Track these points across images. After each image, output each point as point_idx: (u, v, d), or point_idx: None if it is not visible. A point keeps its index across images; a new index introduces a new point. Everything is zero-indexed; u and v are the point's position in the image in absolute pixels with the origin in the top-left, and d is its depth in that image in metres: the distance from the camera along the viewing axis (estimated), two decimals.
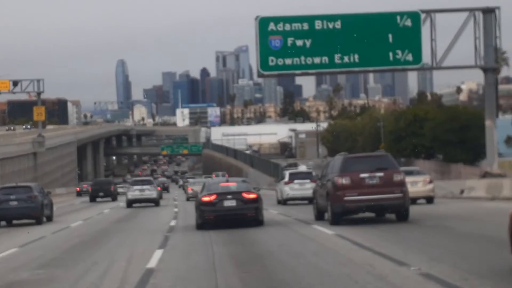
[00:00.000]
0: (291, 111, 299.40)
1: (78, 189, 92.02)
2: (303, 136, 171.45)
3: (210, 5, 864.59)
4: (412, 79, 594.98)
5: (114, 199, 65.73)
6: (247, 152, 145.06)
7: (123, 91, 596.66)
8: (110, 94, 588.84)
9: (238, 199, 24.63)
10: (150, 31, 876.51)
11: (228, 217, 24.71)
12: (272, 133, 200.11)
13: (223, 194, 24.77)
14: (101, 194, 66.04)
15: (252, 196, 24.86)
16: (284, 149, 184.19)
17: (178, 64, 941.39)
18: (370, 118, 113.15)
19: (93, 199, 65.59)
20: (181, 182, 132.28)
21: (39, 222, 34.03)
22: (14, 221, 35.19)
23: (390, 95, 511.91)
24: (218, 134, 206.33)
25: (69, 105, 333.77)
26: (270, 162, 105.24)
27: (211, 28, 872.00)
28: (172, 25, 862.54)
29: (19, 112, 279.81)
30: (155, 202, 51.44)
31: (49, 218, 35.81)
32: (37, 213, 33.96)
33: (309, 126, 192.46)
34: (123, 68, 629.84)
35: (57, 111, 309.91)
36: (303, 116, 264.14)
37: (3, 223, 35.23)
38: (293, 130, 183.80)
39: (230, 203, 24.53)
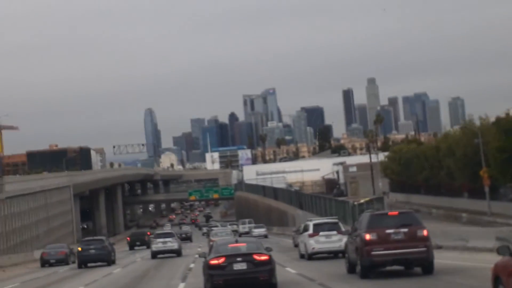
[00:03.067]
0: (327, 147, 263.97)
1: (44, 254, 54.85)
2: (353, 169, 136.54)
3: (236, 49, 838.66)
4: (444, 113, 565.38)
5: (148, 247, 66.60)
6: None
7: (152, 139, 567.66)
8: (144, 151, 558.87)
9: (249, 261, 21.52)
10: (176, 78, 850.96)
11: (238, 281, 21.42)
12: (314, 169, 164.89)
13: (233, 256, 21.61)
14: (137, 243, 75.19)
15: (264, 257, 21.70)
16: (331, 186, 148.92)
17: (206, 109, 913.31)
18: (463, 133, 78.23)
19: (131, 247, 74.70)
20: (204, 230, 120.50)
21: (109, 264, 47.45)
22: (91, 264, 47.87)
23: (422, 131, 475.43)
24: (252, 173, 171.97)
25: (93, 153, 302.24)
26: (335, 201, 71.50)
27: (238, 71, 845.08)
28: (198, 70, 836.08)
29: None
30: (178, 252, 54.06)
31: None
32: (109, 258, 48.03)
33: (357, 160, 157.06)
34: (151, 117, 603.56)
35: (79, 160, 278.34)
36: (340, 152, 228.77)
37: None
38: (341, 164, 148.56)
39: (240, 266, 21.44)
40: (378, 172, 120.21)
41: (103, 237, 49.89)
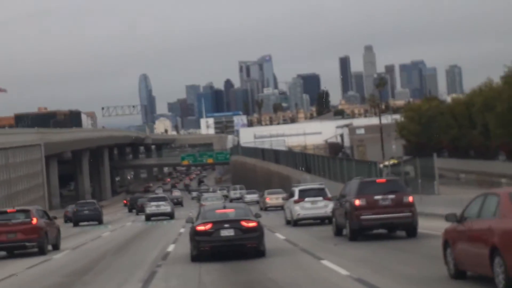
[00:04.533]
0: (326, 112, 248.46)
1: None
2: (361, 131, 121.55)
3: (232, 15, 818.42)
4: (441, 81, 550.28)
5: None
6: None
7: (147, 106, 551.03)
8: (137, 114, 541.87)
9: (237, 227, 20.60)
10: (172, 44, 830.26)
11: (225, 248, 20.83)
12: (316, 132, 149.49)
13: (220, 223, 20.72)
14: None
15: (252, 224, 20.79)
16: (335, 150, 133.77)
17: (202, 76, 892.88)
18: (506, 84, 63.18)
19: (130, 210, 79.28)
20: (194, 194, 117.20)
21: (100, 223, 55.39)
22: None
23: (419, 98, 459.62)
24: (249, 137, 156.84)
25: (83, 116, 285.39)
26: (356, 162, 57.41)
27: (234, 38, 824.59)
28: (193, 37, 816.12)
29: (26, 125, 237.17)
30: (170, 215, 55.33)
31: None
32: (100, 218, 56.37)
33: (362, 122, 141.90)
34: (146, 83, 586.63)
35: (69, 123, 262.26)
36: (342, 115, 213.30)
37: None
38: (346, 126, 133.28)
39: (227, 232, 20.58)
40: (392, 134, 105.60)
41: (94, 200, 54.42)
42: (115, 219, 66.51)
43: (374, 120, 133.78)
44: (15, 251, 29.38)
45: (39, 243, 28.61)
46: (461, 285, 13.78)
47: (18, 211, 29.68)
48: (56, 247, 30.76)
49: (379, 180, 26.08)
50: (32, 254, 28.83)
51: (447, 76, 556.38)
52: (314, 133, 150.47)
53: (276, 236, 29.59)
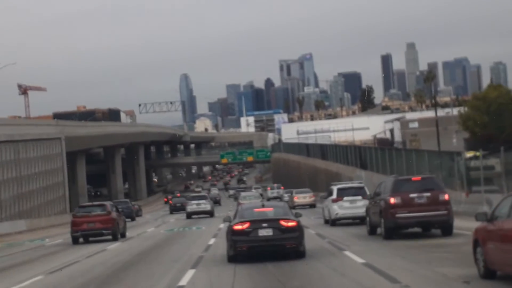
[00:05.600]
0: (371, 108, 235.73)
1: None
2: (414, 125, 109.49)
3: (272, 14, 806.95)
4: (485, 78, 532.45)
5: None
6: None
7: (188, 105, 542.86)
8: (178, 114, 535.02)
9: (275, 227, 19.48)
10: (212, 44, 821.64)
11: (263, 249, 19.57)
12: (364, 127, 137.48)
13: (258, 222, 19.60)
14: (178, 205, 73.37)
15: (292, 224, 19.62)
16: (384, 146, 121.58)
17: (242, 75, 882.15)
18: None
19: (171, 212, 74.07)
20: (231, 192, 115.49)
21: (132, 220, 58.61)
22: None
23: (464, 96, 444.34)
24: (291, 132, 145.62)
25: (122, 115, 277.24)
26: (436, 154, 46.41)
27: (274, 37, 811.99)
28: (233, 37, 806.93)
29: None
30: (210, 213, 56.12)
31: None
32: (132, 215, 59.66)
33: (414, 116, 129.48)
34: (187, 82, 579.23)
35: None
36: (391, 111, 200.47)
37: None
38: (397, 120, 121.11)
39: (266, 232, 19.47)
40: (449, 127, 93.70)
41: (127, 200, 54.75)
42: (143, 222, 61.17)
43: (426, 114, 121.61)
44: (90, 238, 35.15)
45: (113, 231, 34.53)
46: (491, 284, 13.46)
47: (96, 205, 36.39)
48: (123, 235, 36.66)
49: (414, 178, 25.29)
50: (105, 240, 34.77)
51: (492, 73, 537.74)
52: (361, 129, 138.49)
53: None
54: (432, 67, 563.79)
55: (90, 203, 39.02)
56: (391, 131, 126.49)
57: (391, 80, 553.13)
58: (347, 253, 20.79)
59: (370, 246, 22.69)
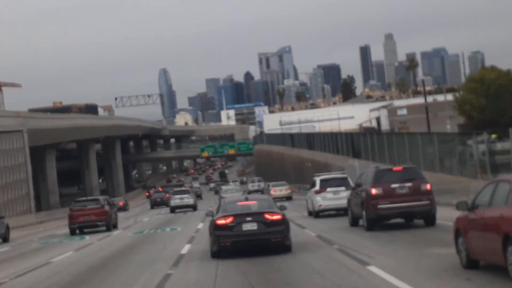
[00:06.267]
0: (353, 98, 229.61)
1: None
2: (403, 112, 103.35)
3: (250, 7, 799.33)
4: (464, 67, 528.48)
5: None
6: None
7: (167, 100, 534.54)
8: (155, 106, 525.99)
9: (260, 221, 18.60)
10: (191, 39, 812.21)
11: (248, 243, 18.77)
12: (348, 116, 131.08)
13: (242, 216, 18.67)
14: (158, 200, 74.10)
15: (277, 217, 18.78)
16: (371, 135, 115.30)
17: (222, 69, 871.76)
18: None
19: (152, 207, 73.60)
20: (212, 185, 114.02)
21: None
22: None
23: (443, 85, 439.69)
24: (274, 123, 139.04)
25: (100, 110, 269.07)
26: (435, 134, 40.04)
27: (253, 30, 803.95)
28: (213, 30, 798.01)
29: None
30: (193, 207, 56.84)
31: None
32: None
33: (400, 104, 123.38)
34: (166, 77, 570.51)
35: None
36: (375, 99, 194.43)
37: None
38: (384, 107, 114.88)
39: (250, 226, 18.60)
40: (445, 112, 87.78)
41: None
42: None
43: (413, 101, 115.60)
44: (84, 229, 38.09)
45: (107, 222, 38.00)
46: (473, 274, 13.15)
47: (90, 199, 40.08)
48: (115, 226, 39.71)
49: (395, 168, 24.53)
50: (99, 231, 37.95)
51: (470, 63, 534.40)
52: (346, 118, 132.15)
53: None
54: (411, 57, 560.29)
55: (85, 198, 42.06)
56: (378, 119, 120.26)
57: (370, 71, 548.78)
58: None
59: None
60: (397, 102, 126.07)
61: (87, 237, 35.93)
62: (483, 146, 36.62)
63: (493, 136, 39.24)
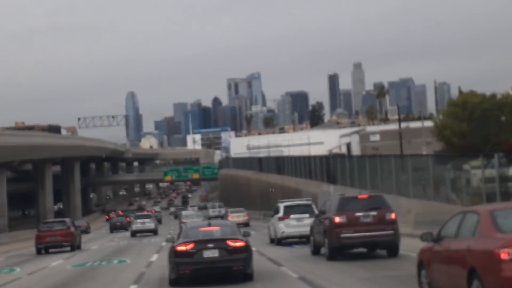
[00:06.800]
0: (321, 124, 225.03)
1: None
2: (376, 138, 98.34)
3: (221, 33, 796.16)
4: (430, 98, 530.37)
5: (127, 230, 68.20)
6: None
7: (133, 124, 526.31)
8: (121, 130, 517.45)
9: (222, 248, 17.74)
10: (160, 63, 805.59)
11: (208, 271, 17.92)
12: (318, 142, 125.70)
13: (203, 242, 17.89)
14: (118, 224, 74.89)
15: (240, 244, 17.96)
16: None
17: (190, 94, 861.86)
18: None
19: (111, 231, 73.47)
20: (172, 209, 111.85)
21: None
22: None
23: (408, 115, 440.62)
24: (241, 147, 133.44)
25: (63, 131, 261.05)
26: (428, 158, 34.53)
27: (222, 56, 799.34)
28: (182, 55, 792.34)
29: None
30: (154, 232, 56.95)
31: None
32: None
33: (372, 130, 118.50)
34: (133, 101, 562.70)
35: None
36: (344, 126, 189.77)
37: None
38: (356, 133, 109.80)
39: (211, 253, 17.75)
40: (422, 139, 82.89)
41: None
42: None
43: (386, 127, 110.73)
44: (49, 249, 41.17)
45: (72, 243, 40.98)
46: None
47: (57, 221, 43.50)
48: (79, 247, 42.42)
49: (361, 196, 23.97)
50: (64, 252, 40.22)
51: (436, 93, 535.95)
52: (315, 143, 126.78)
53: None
54: (379, 86, 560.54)
55: (52, 220, 45.48)
56: (348, 145, 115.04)
57: (338, 100, 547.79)
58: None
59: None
60: (370, 128, 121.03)
61: (17, 270, 30.87)
62: (481, 172, 31.95)
63: (493, 160, 33.94)
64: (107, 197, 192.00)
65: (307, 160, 63.07)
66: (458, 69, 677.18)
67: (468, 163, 34.82)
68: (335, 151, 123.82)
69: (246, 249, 17.99)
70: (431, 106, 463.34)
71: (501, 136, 61.36)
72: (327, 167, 54.40)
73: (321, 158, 59.67)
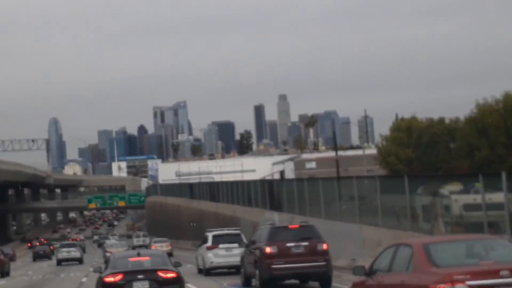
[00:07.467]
0: (249, 153, 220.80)
1: None
2: (312, 165, 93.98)
3: (147, 61, 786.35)
4: (354, 131, 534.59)
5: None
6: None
7: (57, 151, 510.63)
8: (42, 155, 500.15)
9: (152, 279, 16.87)
10: (84, 89, 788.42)
11: None
12: (250, 169, 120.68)
13: (133, 273, 16.95)
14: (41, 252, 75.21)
15: (171, 275, 17.13)
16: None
17: (115, 121, 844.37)
18: None
19: (34, 259, 73.84)
20: (95, 238, 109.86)
21: None
22: None
23: (332, 148, 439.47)
24: (170, 173, 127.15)
25: None
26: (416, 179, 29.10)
27: (148, 84, 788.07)
28: (106, 81, 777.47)
29: None
30: (80, 260, 57.69)
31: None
32: None
33: (306, 157, 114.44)
34: (56, 127, 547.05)
35: None
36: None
37: None
38: (291, 159, 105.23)
39: (141, 284, 16.86)
40: (360, 167, 79.05)
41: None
42: None
43: (322, 155, 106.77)
44: None
45: (1, 270, 41.58)
46: None
47: None
48: (8, 274, 43.60)
49: (291, 225, 23.55)
50: None
51: (359, 126, 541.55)
52: (247, 171, 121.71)
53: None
54: (304, 118, 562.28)
55: None
56: (282, 172, 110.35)
57: (264, 130, 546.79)
58: None
59: None
60: (305, 155, 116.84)
61: None
62: (462, 197, 27.59)
63: (477, 184, 29.51)
64: (29, 224, 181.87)
65: (246, 185, 57.68)
66: (379, 103, 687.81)
67: (443, 187, 30.40)
68: (268, 178, 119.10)
69: (178, 280, 17.19)
70: (354, 139, 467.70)
71: (450, 162, 57.63)
72: (270, 192, 49.14)
73: (262, 182, 54.39)
